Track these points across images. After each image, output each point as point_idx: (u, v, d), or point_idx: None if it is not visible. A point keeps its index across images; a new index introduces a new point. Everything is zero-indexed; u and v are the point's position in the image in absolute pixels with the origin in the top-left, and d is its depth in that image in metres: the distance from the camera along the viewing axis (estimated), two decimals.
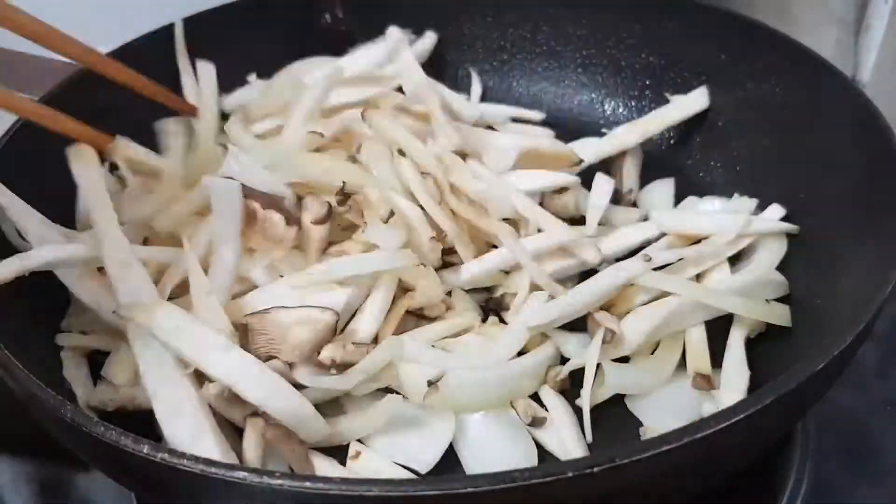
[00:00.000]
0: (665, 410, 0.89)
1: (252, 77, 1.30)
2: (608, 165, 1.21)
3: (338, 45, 1.34)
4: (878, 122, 0.98)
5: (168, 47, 1.24)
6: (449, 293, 1.01)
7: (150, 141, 1.19)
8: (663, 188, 1.19)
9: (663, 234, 1.07)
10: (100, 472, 0.99)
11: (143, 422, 0.82)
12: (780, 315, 0.95)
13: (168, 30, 1.25)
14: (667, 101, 1.27)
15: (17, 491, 1.00)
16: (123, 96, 1.15)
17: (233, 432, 0.84)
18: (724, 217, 1.07)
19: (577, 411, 0.90)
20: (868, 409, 1.02)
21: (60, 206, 1.06)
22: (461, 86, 1.39)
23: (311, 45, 1.33)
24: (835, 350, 0.72)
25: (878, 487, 0.95)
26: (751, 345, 0.94)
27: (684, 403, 0.89)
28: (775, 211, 1.07)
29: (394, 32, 1.31)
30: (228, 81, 1.28)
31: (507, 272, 1.04)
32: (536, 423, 0.87)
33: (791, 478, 0.95)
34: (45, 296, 0.98)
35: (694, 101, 1.22)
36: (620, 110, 1.34)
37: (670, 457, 0.64)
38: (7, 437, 1.07)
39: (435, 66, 1.38)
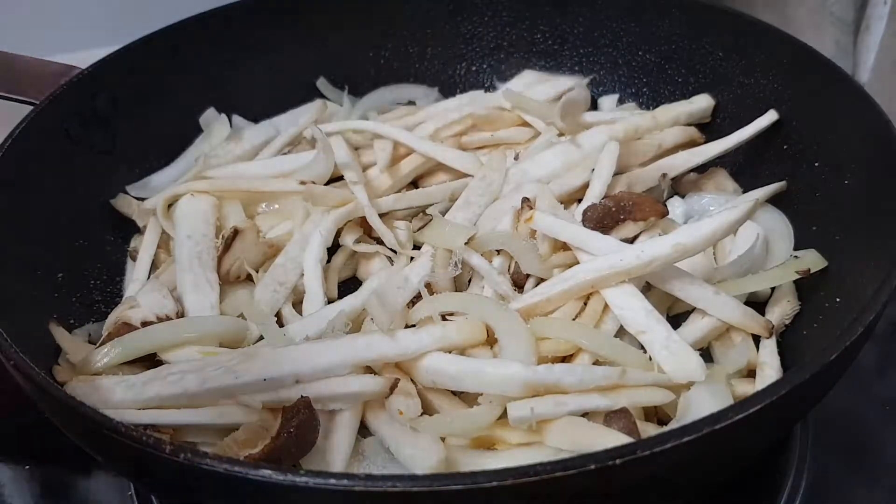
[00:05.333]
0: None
1: None
2: None
3: (332, 45, 1.35)
4: (879, 118, 0.98)
5: (168, 48, 1.24)
6: None
7: (147, 147, 1.20)
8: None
9: None
10: (99, 473, 1.00)
11: None
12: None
13: (167, 31, 1.25)
14: (663, 100, 1.27)
15: (17, 491, 1.00)
16: (120, 103, 1.15)
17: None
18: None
19: None
20: (867, 409, 1.02)
21: (61, 209, 1.07)
22: (459, 84, 1.39)
23: (306, 46, 1.34)
24: (835, 350, 0.72)
25: (877, 486, 0.95)
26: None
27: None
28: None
29: None
30: (230, 83, 1.29)
31: None
32: None
33: (790, 477, 0.95)
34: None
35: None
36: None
37: (691, 448, 0.64)
38: (7, 437, 1.07)
39: (433, 64, 1.39)
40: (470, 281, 1.05)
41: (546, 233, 1.00)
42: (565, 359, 0.91)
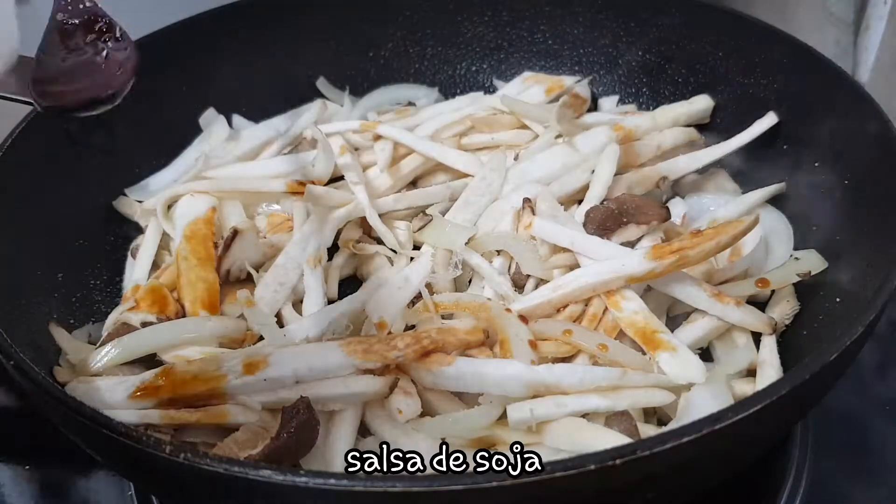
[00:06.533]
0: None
1: None
2: None
3: (332, 45, 1.35)
4: (879, 118, 0.98)
5: (167, 48, 1.24)
6: None
7: (147, 147, 1.20)
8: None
9: None
10: (99, 473, 1.00)
11: None
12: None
13: (167, 31, 1.25)
14: (663, 100, 1.28)
15: (17, 491, 1.00)
16: (122, 104, 1.15)
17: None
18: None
19: None
20: (867, 409, 1.02)
21: (61, 209, 1.07)
22: (459, 84, 1.39)
23: (306, 46, 1.34)
24: (835, 350, 0.72)
25: (877, 486, 0.95)
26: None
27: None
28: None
29: None
30: (229, 83, 1.29)
31: None
32: None
33: (790, 476, 0.95)
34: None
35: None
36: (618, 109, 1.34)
37: (691, 448, 0.65)
38: (7, 437, 1.07)
39: (433, 64, 1.38)
40: (470, 281, 1.05)
41: (547, 239, 1.00)
42: (566, 360, 0.91)
